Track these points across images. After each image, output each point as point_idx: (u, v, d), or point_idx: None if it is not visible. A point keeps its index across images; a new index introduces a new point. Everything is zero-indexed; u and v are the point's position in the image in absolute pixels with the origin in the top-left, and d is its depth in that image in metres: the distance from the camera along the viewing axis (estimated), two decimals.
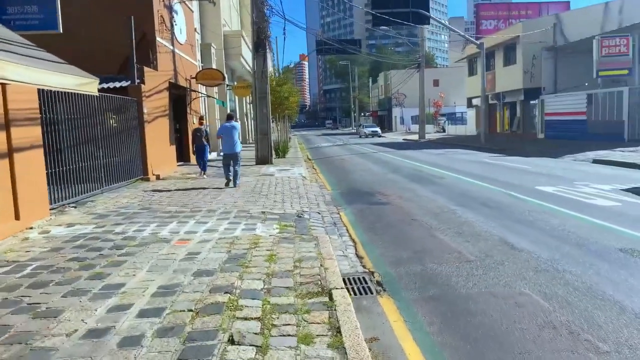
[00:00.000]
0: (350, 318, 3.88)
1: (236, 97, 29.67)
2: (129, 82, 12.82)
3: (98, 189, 10.67)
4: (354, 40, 54.98)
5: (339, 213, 9.02)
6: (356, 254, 6.34)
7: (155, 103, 14.19)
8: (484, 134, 29.91)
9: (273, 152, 19.52)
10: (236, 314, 3.94)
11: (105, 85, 12.07)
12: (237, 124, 12.38)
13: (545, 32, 29.77)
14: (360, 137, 48.63)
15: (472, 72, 40.92)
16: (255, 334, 3.58)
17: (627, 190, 10.31)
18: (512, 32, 32.30)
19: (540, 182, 11.88)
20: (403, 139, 40.90)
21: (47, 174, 8.34)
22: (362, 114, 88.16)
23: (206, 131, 14.88)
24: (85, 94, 8.98)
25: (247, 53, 26.26)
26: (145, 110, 13.18)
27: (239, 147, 11.93)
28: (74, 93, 8.96)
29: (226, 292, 4.41)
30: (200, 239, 6.51)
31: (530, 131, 31.69)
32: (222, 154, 12.83)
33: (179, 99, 17.54)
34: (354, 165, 18.69)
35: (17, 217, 7.18)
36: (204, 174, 14.32)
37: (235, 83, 27.50)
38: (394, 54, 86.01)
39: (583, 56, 26.11)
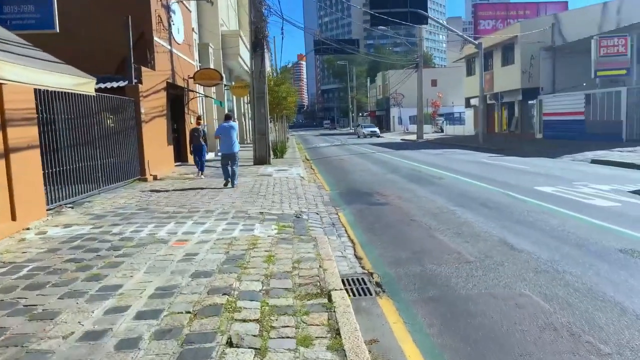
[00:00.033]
0: (350, 320, 3.85)
1: (234, 97, 29.62)
2: (126, 82, 12.78)
3: (95, 189, 10.62)
4: (352, 40, 55.01)
5: (337, 213, 8.99)
6: (355, 254, 6.31)
7: (153, 103, 14.14)
8: (482, 134, 29.93)
9: (271, 152, 19.49)
10: (234, 316, 3.90)
11: (102, 85, 12.03)
12: (235, 124, 12.37)
13: (544, 32, 29.79)
14: (358, 137, 48.58)
15: (470, 72, 40.94)
16: (254, 336, 3.55)
17: (634, 192, 10.08)
18: (510, 32, 32.32)
19: (539, 183, 11.87)
20: (401, 139, 40.89)
21: (44, 174, 8.29)
22: (360, 114, 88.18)
23: (204, 131, 14.83)
24: (83, 94, 8.94)
25: (244, 53, 26.21)
26: (142, 110, 13.13)
27: (237, 147, 11.94)
28: (71, 93, 8.91)
29: (224, 294, 4.38)
30: (198, 240, 6.47)
31: (528, 131, 31.71)
32: (219, 154, 12.80)
33: (176, 98, 17.50)
34: (352, 166, 18.67)
35: (13, 218, 7.14)
36: (201, 174, 14.28)
37: (233, 83, 27.47)
38: (392, 54, 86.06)
39: (581, 56, 26.13)
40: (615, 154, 17.68)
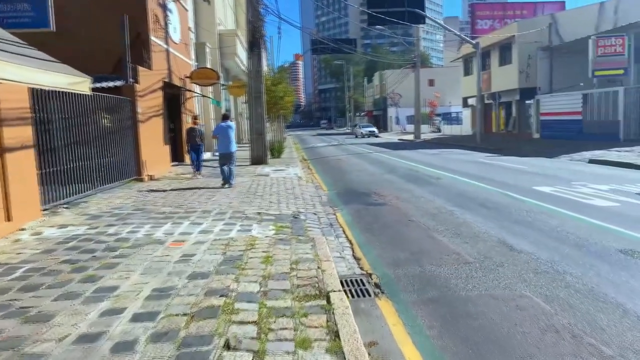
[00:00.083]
0: (349, 322, 3.80)
1: (231, 97, 29.53)
2: (122, 82, 12.69)
3: (91, 189, 10.54)
4: (349, 39, 54.83)
5: (335, 214, 8.94)
6: (353, 255, 6.26)
7: (149, 102, 14.06)
8: (480, 134, 29.93)
9: (268, 152, 19.43)
10: (232, 318, 3.85)
11: (98, 85, 11.90)
12: (233, 124, 12.33)
13: (541, 32, 29.81)
14: (356, 137, 48.48)
15: (467, 71, 40.95)
16: (252, 338, 3.49)
17: (638, 194, 9.92)
18: (507, 32, 32.33)
19: (537, 182, 11.84)
20: (398, 139, 40.86)
21: (39, 174, 8.22)
22: (357, 113, 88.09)
23: (200, 131, 14.77)
24: (78, 93, 8.86)
25: (242, 52, 26.14)
26: (139, 110, 13.04)
27: (234, 147, 11.91)
28: (67, 92, 8.83)
29: (222, 296, 4.32)
30: (195, 241, 6.41)
31: (525, 131, 31.72)
32: (216, 153, 12.74)
33: (173, 98, 17.40)
34: (349, 166, 18.62)
35: (8, 219, 7.06)
36: (198, 174, 14.21)
37: (230, 82, 27.37)
38: (389, 53, 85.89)
39: (578, 56, 26.13)
40: (612, 154, 17.68)
